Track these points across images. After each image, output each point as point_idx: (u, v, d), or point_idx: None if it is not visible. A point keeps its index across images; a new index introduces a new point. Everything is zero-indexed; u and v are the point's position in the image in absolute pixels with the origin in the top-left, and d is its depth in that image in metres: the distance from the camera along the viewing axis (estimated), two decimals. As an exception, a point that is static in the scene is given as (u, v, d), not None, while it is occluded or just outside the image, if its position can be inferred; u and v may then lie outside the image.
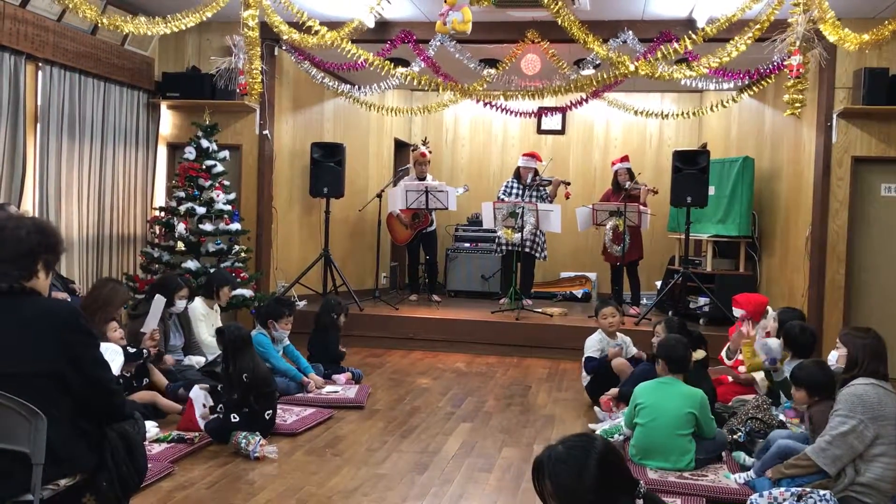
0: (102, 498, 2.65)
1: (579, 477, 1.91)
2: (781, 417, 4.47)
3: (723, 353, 5.71)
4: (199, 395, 4.76)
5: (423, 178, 9.07)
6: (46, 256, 2.63)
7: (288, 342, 6.02)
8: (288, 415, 5.14)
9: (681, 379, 4.48)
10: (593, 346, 5.85)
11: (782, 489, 3.63)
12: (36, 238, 2.60)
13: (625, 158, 8.94)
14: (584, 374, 5.89)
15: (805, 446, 3.90)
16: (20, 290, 2.56)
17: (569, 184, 9.08)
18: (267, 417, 4.66)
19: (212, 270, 6.85)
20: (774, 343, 4.96)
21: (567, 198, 8.99)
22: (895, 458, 3.59)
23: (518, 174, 8.97)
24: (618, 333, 6.00)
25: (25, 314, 2.53)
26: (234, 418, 4.56)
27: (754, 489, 3.88)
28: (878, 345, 3.84)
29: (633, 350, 5.97)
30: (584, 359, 5.82)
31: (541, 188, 8.89)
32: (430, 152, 9.43)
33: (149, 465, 3.16)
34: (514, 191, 8.89)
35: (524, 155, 9.07)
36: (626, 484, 1.95)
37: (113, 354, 4.74)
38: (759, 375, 5.35)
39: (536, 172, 8.97)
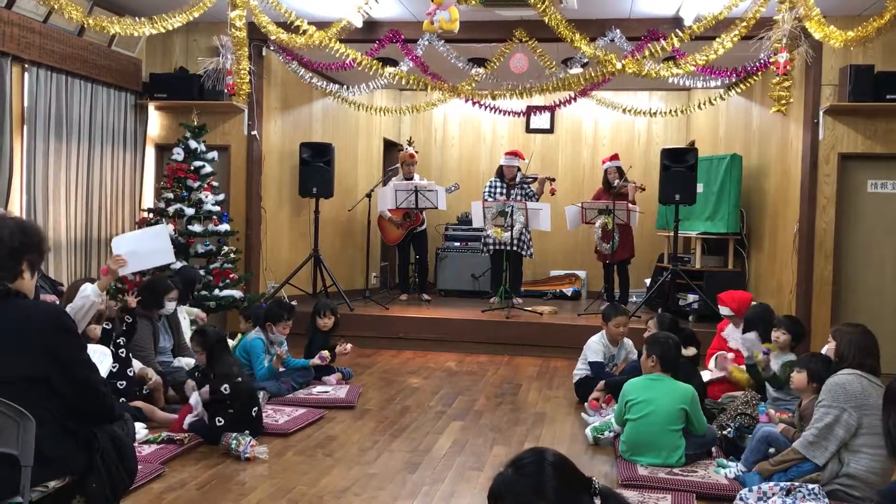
0: (92, 500, 2.64)
1: (540, 490, 1.89)
2: (771, 411, 4.49)
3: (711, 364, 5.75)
4: (197, 401, 4.72)
5: (411, 178, 9.07)
6: (30, 256, 2.62)
7: (286, 349, 5.99)
8: (279, 415, 5.13)
9: (670, 377, 4.50)
10: (597, 349, 5.82)
11: (771, 483, 3.66)
12: (19, 238, 2.58)
13: (614, 157, 8.98)
14: (576, 371, 5.91)
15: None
16: (5, 291, 2.54)
17: (553, 180, 9.10)
18: (253, 415, 4.65)
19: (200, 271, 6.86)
20: (752, 336, 5.01)
21: (553, 194, 9.00)
22: (880, 448, 3.62)
23: (501, 173, 8.97)
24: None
25: (11, 316, 2.52)
26: (219, 422, 4.54)
27: (744, 484, 3.90)
28: (866, 339, 3.87)
29: (635, 354, 5.96)
30: (589, 362, 5.79)
31: (525, 186, 8.90)
32: (416, 152, 9.45)
33: (139, 467, 3.15)
34: (499, 190, 8.89)
35: (507, 154, 9.08)
36: (583, 483, 1.94)
37: (101, 357, 4.72)
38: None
39: (520, 170, 8.98)
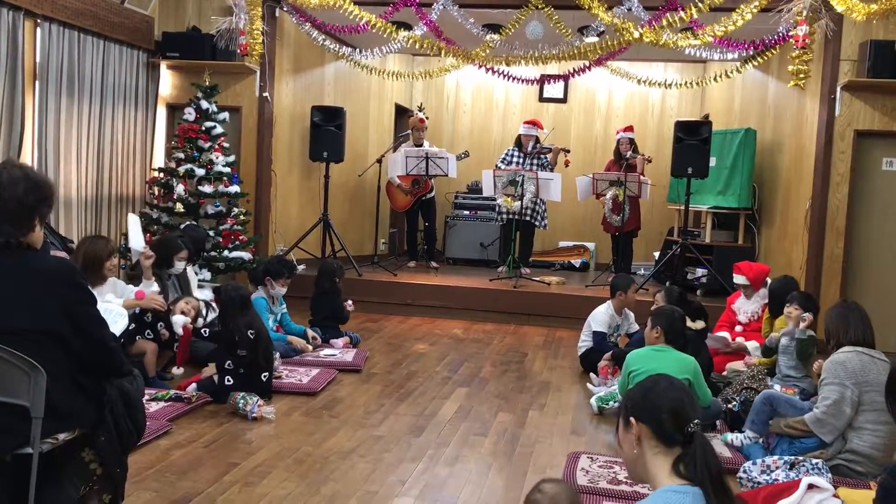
0: (101, 453, 2.67)
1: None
2: (776, 387, 4.50)
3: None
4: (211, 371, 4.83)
5: (420, 144, 9.02)
6: (42, 211, 2.62)
7: (285, 309, 6.04)
8: (299, 375, 5.18)
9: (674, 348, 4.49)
10: (603, 319, 5.82)
11: (775, 457, 3.68)
12: (34, 196, 2.58)
13: (629, 128, 8.91)
14: (580, 343, 5.92)
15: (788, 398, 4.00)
16: (17, 245, 2.55)
17: (568, 151, 9.05)
18: (263, 379, 4.68)
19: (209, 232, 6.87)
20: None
21: (567, 165, 8.97)
22: (882, 424, 3.64)
23: (519, 142, 8.93)
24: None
25: (23, 271, 2.52)
26: (228, 381, 4.58)
27: (748, 457, 3.92)
28: (845, 312, 3.88)
29: (636, 326, 5.99)
30: (592, 332, 5.81)
31: (541, 156, 8.86)
32: (426, 118, 9.40)
33: (147, 423, 3.17)
34: (515, 159, 8.84)
35: (525, 122, 9.03)
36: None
37: (117, 316, 4.76)
38: (751, 345, 5.40)
39: (537, 140, 8.93)
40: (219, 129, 7.25)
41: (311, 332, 6.00)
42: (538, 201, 8.59)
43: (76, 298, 2.57)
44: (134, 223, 5.32)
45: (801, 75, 6.62)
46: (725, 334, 5.61)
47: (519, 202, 8.21)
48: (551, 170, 8.75)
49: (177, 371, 5.08)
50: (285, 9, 7.91)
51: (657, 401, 2.04)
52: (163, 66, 7.93)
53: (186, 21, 8.02)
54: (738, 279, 5.71)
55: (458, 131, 11.20)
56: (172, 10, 8.03)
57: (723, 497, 1.94)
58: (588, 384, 5.36)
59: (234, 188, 7.28)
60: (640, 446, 2.04)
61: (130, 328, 4.74)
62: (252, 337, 4.60)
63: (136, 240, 5.22)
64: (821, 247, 7.00)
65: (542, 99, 10.96)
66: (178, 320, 4.97)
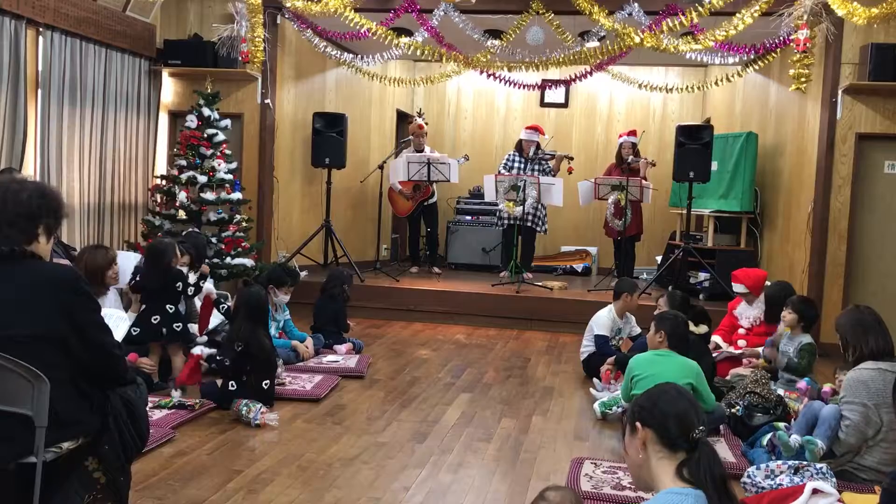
0: (104, 461, 2.67)
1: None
2: (780, 392, 4.49)
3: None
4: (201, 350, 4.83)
5: (421, 150, 9.03)
6: (47, 221, 2.61)
7: (288, 316, 6.04)
8: (303, 382, 5.18)
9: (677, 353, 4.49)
10: (605, 323, 5.82)
11: (779, 462, 3.66)
12: (37, 202, 2.58)
13: (632, 132, 8.92)
14: (583, 348, 5.91)
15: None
16: (21, 253, 2.54)
17: (572, 158, 9.06)
18: (265, 387, 4.67)
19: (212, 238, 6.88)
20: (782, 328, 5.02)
21: (570, 172, 8.97)
22: (894, 442, 3.61)
23: (520, 147, 8.94)
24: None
25: (26, 277, 2.52)
26: (232, 386, 4.58)
27: (752, 461, 3.91)
28: (861, 317, 3.82)
29: (637, 329, 6.00)
30: (594, 335, 5.81)
31: (543, 162, 8.87)
32: (426, 124, 9.41)
33: (150, 431, 3.17)
34: (516, 164, 8.85)
35: (527, 128, 9.03)
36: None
37: (118, 321, 4.76)
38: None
39: (538, 146, 8.94)
40: (221, 137, 7.27)
41: (309, 340, 5.98)
42: (539, 206, 8.59)
43: (80, 305, 2.56)
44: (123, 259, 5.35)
45: (803, 79, 6.62)
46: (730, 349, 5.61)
47: (521, 207, 8.21)
48: (553, 175, 8.75)
49: (200, 339, 5.10)
50: (286, 16, 7.92)
51: (665, 407, 2.08)
52: (164, 73, 7.94)
53: (188, 29, 8.04)
54: (738, 288, 5.71)
55: (460, 136, 11.21)
56: (174, 18, 8.05)
57: (727, 502, 1.96)
58: (591, 389, 5.35)
59: (237, 195, 7.29)
60: (644, 451, 2.08)
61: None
62: (248, 350, 4.60)
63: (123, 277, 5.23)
64: (823, 250, 6.99)
65: (543, 104, 10.97)
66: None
